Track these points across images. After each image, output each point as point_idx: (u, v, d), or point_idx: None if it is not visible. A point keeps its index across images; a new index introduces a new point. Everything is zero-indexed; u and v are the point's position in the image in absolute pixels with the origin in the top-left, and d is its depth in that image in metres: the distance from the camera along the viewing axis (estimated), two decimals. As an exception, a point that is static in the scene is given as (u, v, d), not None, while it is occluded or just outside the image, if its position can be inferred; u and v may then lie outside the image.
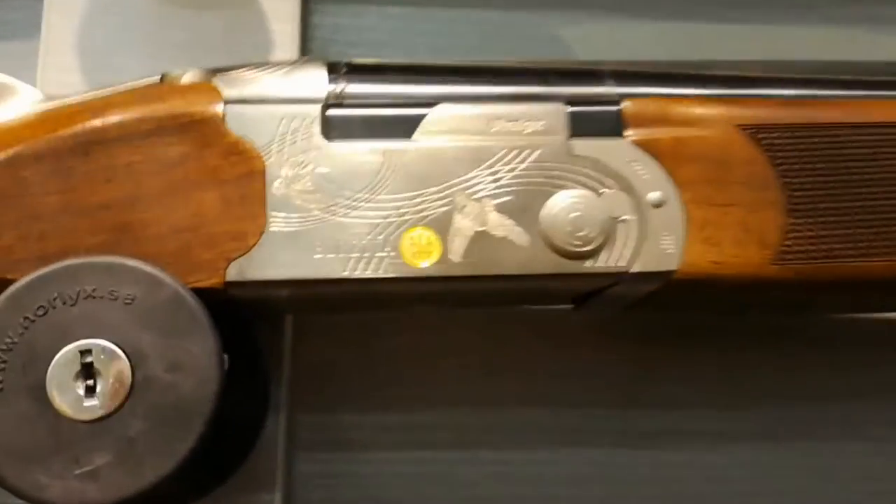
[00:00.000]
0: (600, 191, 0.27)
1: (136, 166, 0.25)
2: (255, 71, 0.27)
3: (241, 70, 0.27)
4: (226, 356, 0.24)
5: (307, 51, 0.35)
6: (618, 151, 0.27)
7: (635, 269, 0.27)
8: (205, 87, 0.27)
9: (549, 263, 0.26)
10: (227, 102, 0.26)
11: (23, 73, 0.29)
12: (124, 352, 0.23)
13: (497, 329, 0.33)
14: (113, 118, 0.26)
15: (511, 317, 0.33)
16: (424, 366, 0.33)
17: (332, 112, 0.27)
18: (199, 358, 0.24)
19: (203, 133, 0.26)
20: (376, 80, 0.28)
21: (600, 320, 0.33)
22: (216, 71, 0.27)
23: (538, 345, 0.33)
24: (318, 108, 0.26)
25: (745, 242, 0.27)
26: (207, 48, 0.33)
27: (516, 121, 0.27)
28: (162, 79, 0.27)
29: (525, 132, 0.27)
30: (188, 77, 0.27)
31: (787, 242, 0.27)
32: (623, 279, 0.27)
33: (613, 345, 0.33)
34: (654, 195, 0.27)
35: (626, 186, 0.27)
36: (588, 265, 0.26)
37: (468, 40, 0.36)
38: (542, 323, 0.33)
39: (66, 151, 0.25)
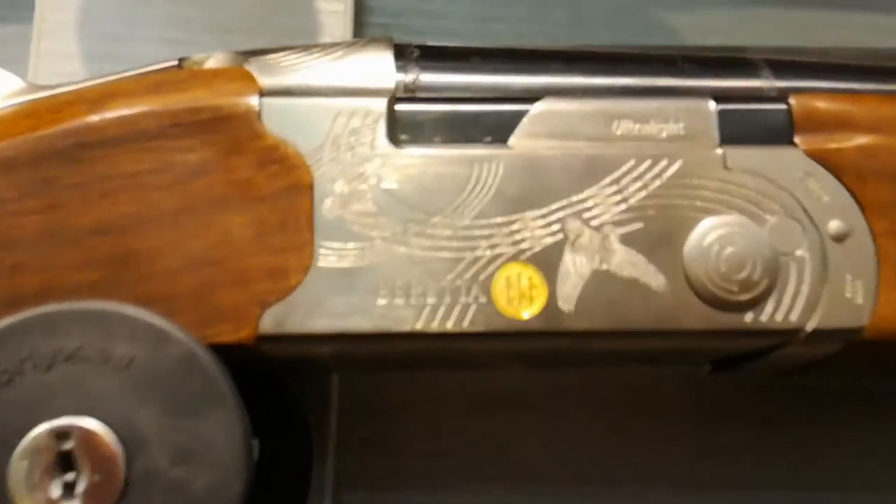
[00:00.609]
0: (764, 217, 0.20)
1: (143, 178, 0.19)
2: (299, 55, 0.21)
3: (281, 53, 0.21)
4: (255, 441, 0.18)
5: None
6: (787, 164, 0.20)
7: (812, 325, 0.20)
8: (236, 72, 0.20)
9: (696, 316, 0.19)
10: (264, 94, 0.20)
11: (13, 64, 0.23)
12: (117, 435, 0.17)
13: (598, 386, 0.26)
14: (112, 112, 0.19)
15: (619, 377, 0.26)
16: (502, 437, 0.26)
17: (402, 108, 0.20)
18: (218, 445, 0.17)
19: (232, 133, 0.19)
20: (458, 67, 0.21)
21: (735, 381, 0.26)
22: (249, 54, 0.21)
23: (662, 411, 0.26)
24: (383, 102, 0.20)
25: (954, 290, 0.20)
26: (240, 33, 0.27)
27: (646, 122, 0.20)
28: (180, 63, 0.21)
29: (660, 137, 0.20)
30: (213, 61, 0.21)
31: None
32: (794, 339, 0.20)
33: (754, 410, 0.26)
34: (835, 224, 0.20)
35: (799, 212, 0.20)
36: (748, 320, 0.19)
37: (557, 29, 0.30)
38: (665, 386, 0.26)
39: (50, 156, 0.19)
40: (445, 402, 0.26)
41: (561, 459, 0.26)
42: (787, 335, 0.20)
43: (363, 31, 0.28)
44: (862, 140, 0.21)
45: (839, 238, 0.20)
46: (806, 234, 0.20)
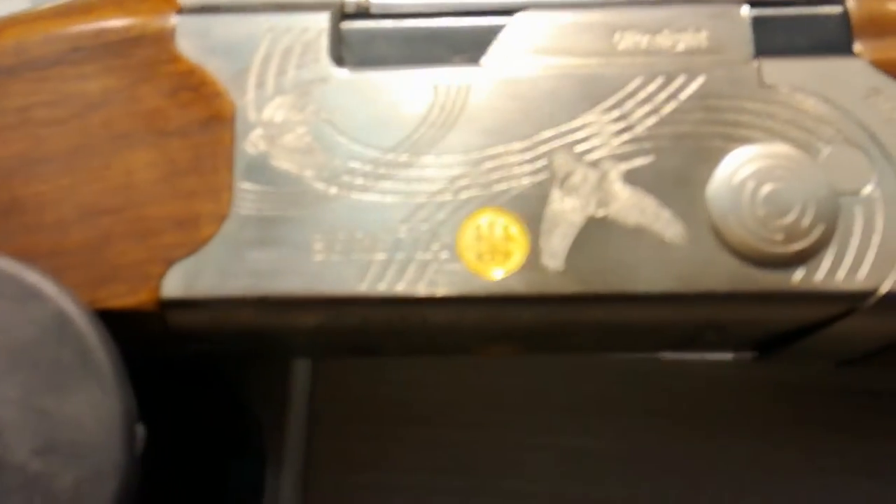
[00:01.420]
0: (816, 146, 0.15)
1: (33, 112, 0.16)
2: (236, -29, 0.17)
3: (215, -30, 0.17)
4: (140, 427, 0.14)
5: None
6: (845, 78, 0.15)
7: (888, 286, 0.15)
8: (155, -7, 0.17)
9: (726, 275, 0.15)
10: (182, 11, 0.16)
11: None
12: (-35, 417, 0.13)
13: (613, 389, 0.22)
14: (6, 41, 0.16)
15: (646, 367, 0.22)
16: (511, 452, 0.22)
17: (349, 25, 0.16)
18: (91, 431, 0.13)
19: (140, 58, 0.16)
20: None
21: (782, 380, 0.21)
22: (179, -24, 0.18)
23: (694, 420, 0.21)
24: (325, 17, 0.16)
25: None
26: None
27: (657, 32, 0.16)
28: (102, -8, 0.18)
29: (676, 50, 0.16)
30: (138, -15, 0.18)
31: None
32: (862, 305, 0.15)
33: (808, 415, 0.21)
34: (913, 154, 0.15)
35: (864, 139, 0.15)
36: (797, 279, 0.15)
37: None
38: (696, 376, 0.21)
39: (-67, 92, 0.16)
40: (445, 408, 0.22)
41: (580, 481, 0.22)
42: (851, 300, 0.15)
43: None
44: (948, 48, 0.16)
45: (922, 172, 0.15)
46: (875, 166, 0.15)
